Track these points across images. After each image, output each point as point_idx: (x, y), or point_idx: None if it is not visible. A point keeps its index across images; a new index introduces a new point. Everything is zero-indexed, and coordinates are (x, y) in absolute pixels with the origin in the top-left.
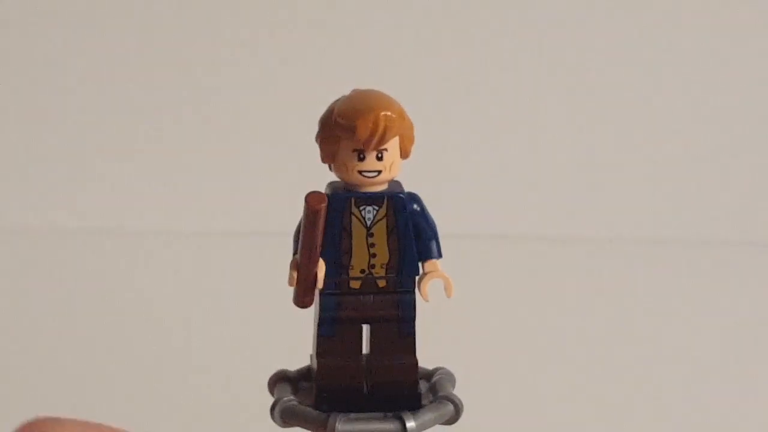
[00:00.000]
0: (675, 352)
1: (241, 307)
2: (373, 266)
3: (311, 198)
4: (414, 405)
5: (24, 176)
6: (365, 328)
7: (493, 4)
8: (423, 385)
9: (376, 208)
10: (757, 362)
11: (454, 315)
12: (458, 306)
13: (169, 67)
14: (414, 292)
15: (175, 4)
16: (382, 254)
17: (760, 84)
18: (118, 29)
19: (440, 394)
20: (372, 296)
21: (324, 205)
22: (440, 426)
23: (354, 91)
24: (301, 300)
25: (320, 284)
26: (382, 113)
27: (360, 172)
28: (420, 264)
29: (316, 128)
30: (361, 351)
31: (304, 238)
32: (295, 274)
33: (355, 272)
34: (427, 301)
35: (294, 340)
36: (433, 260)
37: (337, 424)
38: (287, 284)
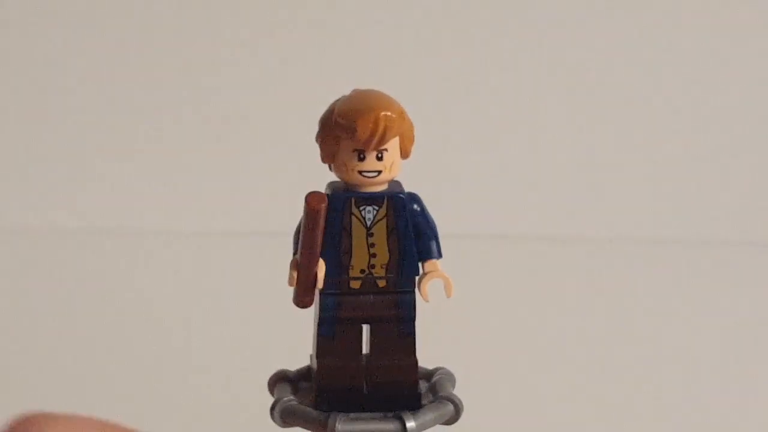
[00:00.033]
0: (675, 352)
1: (241, 307)
2: (373, 266)
3: (311, 198)
4: (414, 405)
5: (24, 176)
6: (365, 328)
7: (493, 4)
8: (423, 385)
9: (376, 208)
10: (757, 362)
11: (454, 315)
12: (458, 306)
13: (169, 67)
14: (414, 292)
15: (175, 4)
16: (382, 254)
17: (760, 84)
18: (118, 29)
19: (440, 394)
20: (372, 296)
21: (324, 205)
22: (440, 426)
23: (354, 91)
24: (301, 300)
25: (320, 284)
26: (383, 113)
27: (360, 172)
28: (420, 264)
29: (316, 128)
30: (361, 351)
31: (304, 238)
32: (295, 274)
33: (355, 272)
34: (427, 301)
35: (294, 340)
36: (433, 260)
37: (337, 424)
38: (287, 284)
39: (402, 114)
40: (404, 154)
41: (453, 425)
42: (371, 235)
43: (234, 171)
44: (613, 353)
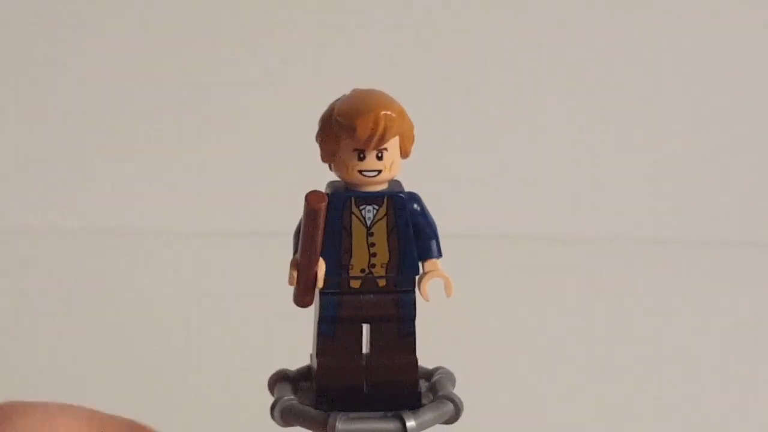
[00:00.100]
0: (675, 352)
1: (241, 307)
2: (373, 266)
3: (311, 197)
4: (414, 404)
5: (24, 176)
6: (365, 328)
7: (493, 4)
8: (423, 385)
9: (376, 207)
10: (757, 362)
11: (454, 315)
12: (458, 306)
13: (169, 67)
14: (414, 292)
15: (175, 4)
16: (382, 254)
17: (760, 84)
18: (118, 29)
19: (440, 393)
20: (372, 296)
21: (324, 204)
22: (440, 425)
23: (354, 90)
24: (302, 299)
25: (320, 284)
26: (383, 113)
27: (360, 171)
28: (420, 263)
29: (316, 128)
30: (361, 350)
31: (304, 237)
32: (295, 274)
33: (355, 272)
34: (427, 300)
35: (294, 339)
36: (433, 260)
37: (337, 424)
38: (287, 284)
39: (402, 113)
40: (404, 153)
41: (453, 425)
42: (371, 234)
43: (234, 171)
44: (613, 353)
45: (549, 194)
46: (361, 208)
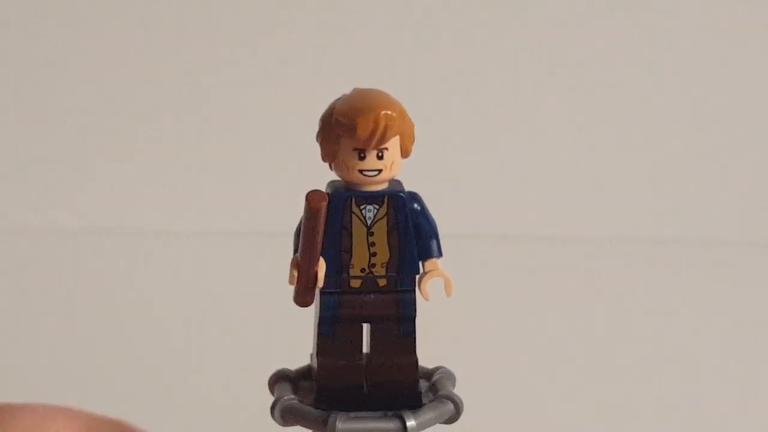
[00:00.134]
0: (675, 352)
1: (241, 307)
2: (373, 265)
3: (312, 196)
4: (414, 404)
5: (24, 176)
6: (365, 327)
7: (493, 4)
8: (423, 384)
9: (377, 207)
10: (757, 362)
11: (455, 314)
12: (458, 305)
13: (169, 67)
14: (414, 291)
15: (175, 4)
16: (383, 253)
17: (760, 84)
18: (118, 29)
19: (440, 393)
20: (372, 295)
21: (325, 203)
22: (440, 425)
23: (355, 90)
24: (302, 299)
25: (320, 283)
26: (383, 112)
27: (360, 171)
28: (420, 263)
29: (316, 128)
30: (361, 350)
31: (304, 236)
32: (295, 273)
33: (355, 271)
34: (427, 300)
35: (294, 339)
36: (434, 259)
37: (337, 423)
38: (288, 283)
39: (402, 113)
40: (404, 153)
41: (453, 424)
42: (371, 234)
43: (234, 171)
44: (613, 353)
45: (549, 194)
46: (361, 207)
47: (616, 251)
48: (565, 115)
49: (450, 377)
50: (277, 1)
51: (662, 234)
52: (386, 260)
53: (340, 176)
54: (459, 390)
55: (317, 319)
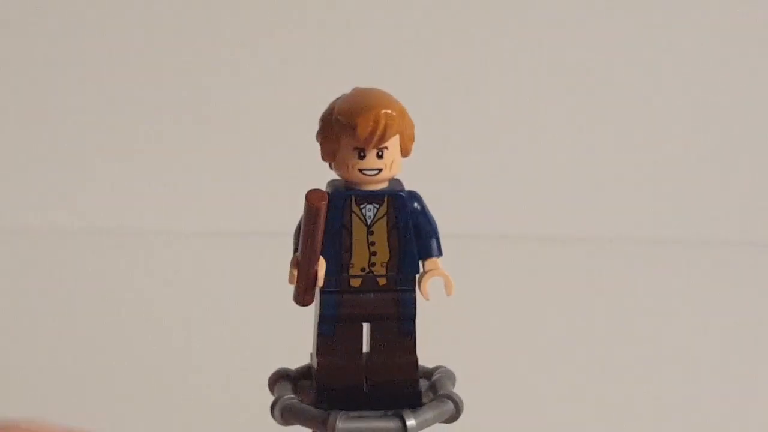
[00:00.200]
0: (675, 352)
1: (241, 307)
2: (373, 264)
3: (312, 195)
4: (414, 403)
5: (24, 176)
6: (365, 327)
7: (493, 4)
8: (423, 384)
9: (377, 206)
10: (757, 362)
11: (455, 314)
12: (458, 305)
13: (169, 67)
14: (414, 291)
15: (175, 4)
16: (383, 252)
17: (760, 84)
18: (118, 29)
19: (440, 392)
20: (372, 294)
21: (325, 202)
22: (440, 424)
23: (355, 89)
24: (302, 298)
25: (320, 282)
26: (383, 111)
27: (360, 170)
28: (420, 262)
29: (316, 128)
30: (361, 349)
31: (304, 235)
32: (295, 272)
33: (355, 270)
34: (427, 299)
35: (294, 338)
36: (434, 258)
37: (337, 423)
38: (287, 282)
39: (402, 112)
40: (404, 152)
41: (453, 423)
42: (371, 233)
43: (234, 171)
44: (613, 353)
45: (549, 194)
46: (361, 206)
47: (616, 251)
48: (565, 115)
49: (450, 377)
50: (277, 1)
51: (662, 234)
52: (386, 259)
53: (340, 175)
54: (459, 389)
55: (317, 318)
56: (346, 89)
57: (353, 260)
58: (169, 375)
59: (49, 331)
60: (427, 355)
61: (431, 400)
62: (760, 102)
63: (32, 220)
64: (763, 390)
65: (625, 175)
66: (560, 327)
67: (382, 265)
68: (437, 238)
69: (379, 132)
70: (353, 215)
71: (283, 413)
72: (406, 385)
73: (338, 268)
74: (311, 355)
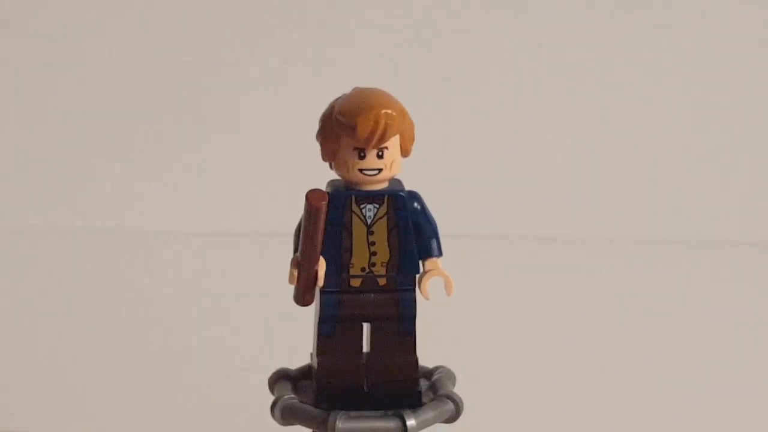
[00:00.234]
0: (675, 352)
1: (241, 307)
2: (373, 264)
3: (312, 195)
4: (414, 403)
5: (24, 176)
6: (365, 327)
7: (493, 4)
8: (423, 384)
9: (377, 206)
10: (757, 362)
11: (455, 314)
12: (458, 305)
13: (168, 67)
14: (414, 291)
15: (175, 4)
16: (383, 252)
17: (760, 84)
18: (118, 29)
19: (440, 392)
20: (372, 294)
21: (325, 202)
22: (440, 424)
23: (355, 89)
24: (302, 298)
25: (321, 282)
26: (383, 111)
27: (360, 170)
28: (420, 262)
29: (316, 128)
30: (361, 349)
31: (304, 235)
32: (295, 272)
33: (355, 270)
34: (427, 299)
35: (294, 338)
36: (434, 258)
37: (337, 422)
38: (288, 282)
39: (402, 112)
40: (404, 152)
41: (453, 423)
42: (372, 233)
43: (234, 171)
44: (613, 353)
45: (549, 194)
46: (361, 206)
47: (616, 251)
48: (565, 115)
49: (450, 377)
50: (277, 1)
51: (662, 234)
52: (386, 259)
53: (340, 175)
54: (459, 389)
55: (317, 318)
56: (346, 89)
57: (353, 260)
58: (169, 375)
59: (49, 331)
60: (427, 355)
61: (431, 400)
62: (760, 102)
63: (32, 220)
64: (763, 390)
65: (625, 175)
66: (560, 327)
67: (382, 265)
68: (437, 238)
69: (379, 132)
70: (353, 215)
71: (283, 413)
72: (406, 384)
73: (338, 268)
74: (311, 355)
